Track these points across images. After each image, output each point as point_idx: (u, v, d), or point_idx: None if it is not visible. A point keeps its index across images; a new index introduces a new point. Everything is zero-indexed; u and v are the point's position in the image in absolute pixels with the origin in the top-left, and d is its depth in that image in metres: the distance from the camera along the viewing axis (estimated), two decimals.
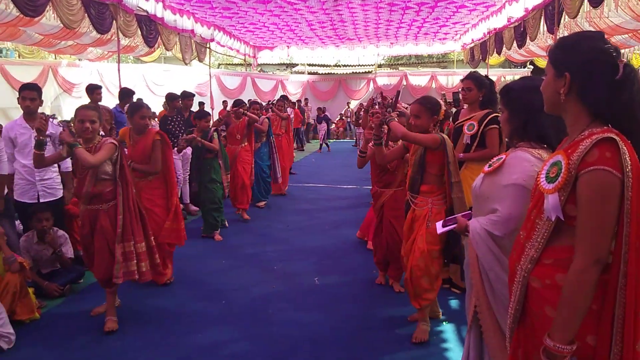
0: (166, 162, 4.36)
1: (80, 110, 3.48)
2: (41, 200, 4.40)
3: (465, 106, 4.25)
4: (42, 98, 4.57)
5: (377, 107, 5.19)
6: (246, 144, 6.87)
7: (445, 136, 3.29)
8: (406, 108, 5.00)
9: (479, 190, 2.17)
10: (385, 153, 3.57)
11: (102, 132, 6.70)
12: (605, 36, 1.54)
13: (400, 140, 3.61)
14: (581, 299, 1.38)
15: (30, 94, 4.35)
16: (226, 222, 6.35)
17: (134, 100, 7.42)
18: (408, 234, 3.42)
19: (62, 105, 14.32)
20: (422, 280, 3.24)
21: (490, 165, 2.14)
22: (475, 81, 4.04)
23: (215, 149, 5.74)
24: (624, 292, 1.38)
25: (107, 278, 3.52)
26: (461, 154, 3.96)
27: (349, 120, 20.49)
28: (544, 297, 1.50)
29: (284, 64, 25.28)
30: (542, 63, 14.67)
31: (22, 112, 4.47)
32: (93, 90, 6.77)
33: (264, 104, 9.54)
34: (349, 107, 20.54)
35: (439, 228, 2.32)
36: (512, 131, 2.12)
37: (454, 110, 6.43)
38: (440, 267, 3.31)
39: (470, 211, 2.34)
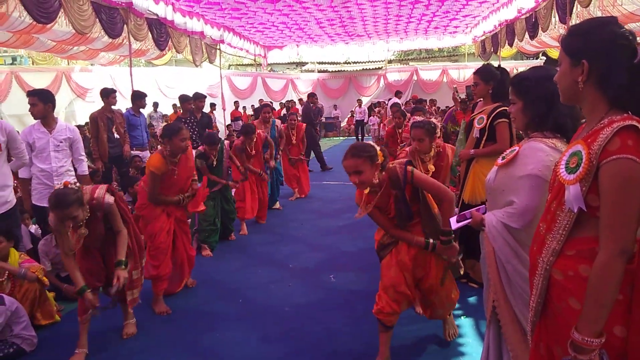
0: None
1: (55, 210, 2.98)
2: None
3: (481, 100, 4.19)
4: (57, 104, 4.63)
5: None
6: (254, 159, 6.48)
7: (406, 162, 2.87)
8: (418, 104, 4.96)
9: (493, 183, 2.14)
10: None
11: (117, 135, 6.83)
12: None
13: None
14: (608, 290, 1.35)
15: (32, 99, 4.43)
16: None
17: (144, 101, 7.48)
18: (411, 268, 2.92)
19: (75, 110, 14.53)
20: (451, 304, 3.13)
21: (503, 158, 2.12)
22: (480, 75, 3.97)
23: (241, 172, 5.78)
24: None
25: (124, 296, 3.52)
26: (472, 150, 3.91)
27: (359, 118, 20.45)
28: (568, 288, 1.47)
29: (293, 63, 25.28)
30: (555, 54, 14.48)
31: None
32: (108, 95, 6.84)
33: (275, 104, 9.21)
34: (359, 104, 20.49)
35: (454, 224, 2.29)
36: (529, 122, 2.09)
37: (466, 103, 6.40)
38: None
39: (483, 206, 2.31)
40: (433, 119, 4.11)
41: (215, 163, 5.42)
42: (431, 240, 2.83)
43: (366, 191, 2.82)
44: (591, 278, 1.38)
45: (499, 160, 2.12)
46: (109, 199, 3.22)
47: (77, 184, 3.16)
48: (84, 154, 4.88)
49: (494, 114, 3.79)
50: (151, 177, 3.87)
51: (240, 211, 6.22)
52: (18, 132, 4.30)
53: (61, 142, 4.55)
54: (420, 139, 3.70)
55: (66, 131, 4.62)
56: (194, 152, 5.16)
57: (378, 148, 2.75)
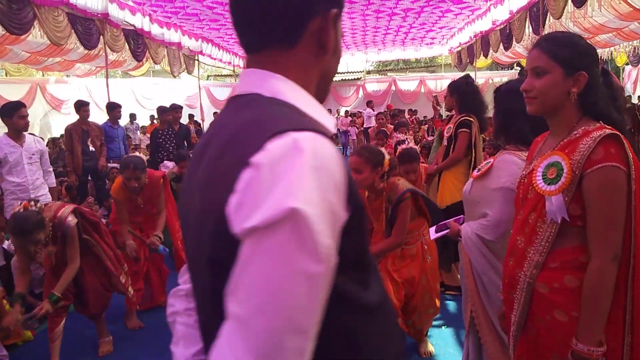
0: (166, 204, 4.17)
1: (17, 237, 2.97)
2: None
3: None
4: (31, 115, 4.58)
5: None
6: None
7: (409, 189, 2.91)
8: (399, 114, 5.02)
9: (468, 195, 2.18)
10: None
11: (92, 148, 6.72)
12: (590, 35, 1.58)
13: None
14: (604, 296, 1.37)
15: (26, 111, 4.39)
16: None
17: (118, 112, 7.34)
18: (395, 272, 2.97)
19: (51, 122, 14.27)
20: (429, 314, 3.15)
21: (479, 170, 2.16)
22: (448, 88, 4.19)
23: None
24: (632, 285, 1.39)
25: (102, 310, 3.49)
26: (435, 166, 4.13)
27: (339, 128, 20.53)
28: (553, 301, 1.47)
29: None
30: None
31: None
32: (80, 107, 6.74)
33: None
34: (338, 114, 20.59)
35: (432, 234, 2.32)
36: (496, 131, 2.19)
37: (447, 113, 6.51)
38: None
39: (462, 216, 2.34)
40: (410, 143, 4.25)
41: None
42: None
43: (365, 194, 2.90)
44: (586, 287, 1.39)
45: (475, 173, 2.16)
46: (71, 221, 3.09)
47: (38, 204, 3.05)
48: (51, 166, 4.83)
49: (457, 123, 3.94)
50: (115, 202, 3.92)
51: None
52: None
53: (33, 154, 4.50)
54: (415, 170, 3.78)
55: (35, 144, 4.58)
56: (170, 164, 5.09)
57: (388, 157, 2.81)
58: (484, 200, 2.07)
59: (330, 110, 20.61)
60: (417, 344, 3.27)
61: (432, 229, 2.36)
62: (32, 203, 3.05)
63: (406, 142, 4.67)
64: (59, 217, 3.06)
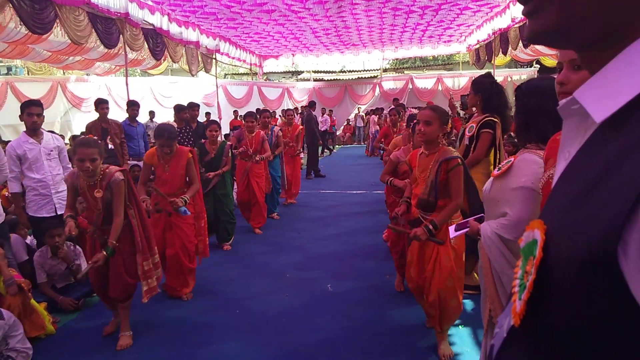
0: (194, 180, 4.41)
1: (79, 148, 3.27)
2: (59, 213, 4.47)
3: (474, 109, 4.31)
4: (52, 114, 4.70)
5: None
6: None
7: (459, 156, 3.05)
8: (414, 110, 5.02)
9: (488, 194, 2.17)
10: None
11: (110, 146, 6.83)
12: None
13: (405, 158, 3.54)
14: None
15: (37, 109, 4.45)
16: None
17: (135, 109, 7.46)
18: (419, 254, 3.13)
19: (71, 120, 14.51)
20: (451, 302, 3.05)
21: (499, 169, 2.15)
22: (472, 85, 4.12)
23: (223, 170, 5.76)
24: None
25: (123, 297, 3.56)
26: None
27: (358, 125, 20.53)
28: None
29: (289, 72, 25.39)
30: (549, 62, 14.60)
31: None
32: (99, 105, 6.84)
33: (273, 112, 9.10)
34: (359, 111, 20.57)
35: (452, 232, 2.32)
36: (517, 129, 2.16)
37: (461, 113, 6.47)
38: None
39: (482, 214, 2.33)
40: None
41: (213, 157, 5.71)
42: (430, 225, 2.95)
43: (420, 151, 3.13)
44: None
45: (495, 172, 2.15)
46: (119, 175, 3.39)
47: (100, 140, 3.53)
48: (70, 162, 4.91)
49: (480, 123, 3.88)
50: (143, 167, 4.32)
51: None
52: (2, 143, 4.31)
53: (51, 150, 4.58)
54: (427, 121, 3.20)
55: (53, 140, 4.67)
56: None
57: (450, 120, 3.03)
58: (504, 200, 2.06)
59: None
60: (437, 344, 3.26)
61: (452, 228, 2.36)
62: (95, 138, 3.60)
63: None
64: (109, 169, 3.41)
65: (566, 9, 0.55)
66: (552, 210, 0.61)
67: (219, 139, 5.91)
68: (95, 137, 4.39)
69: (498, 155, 3.94)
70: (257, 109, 17.29)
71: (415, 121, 4.07)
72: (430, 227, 2.89)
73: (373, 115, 16.15)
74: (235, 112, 17.30)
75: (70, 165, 4.91)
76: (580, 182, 0.55)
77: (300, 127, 8.50)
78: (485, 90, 3.97)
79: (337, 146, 20.17)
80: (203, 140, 5.85)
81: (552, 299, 0.55)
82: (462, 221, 2.37)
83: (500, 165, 2.17)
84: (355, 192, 9.47)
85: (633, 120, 0.50)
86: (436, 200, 2.95)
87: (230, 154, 5.87)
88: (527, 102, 2.06)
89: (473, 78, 4.31)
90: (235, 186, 6.88)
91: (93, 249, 3.53)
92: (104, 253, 3.28)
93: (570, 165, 0.61)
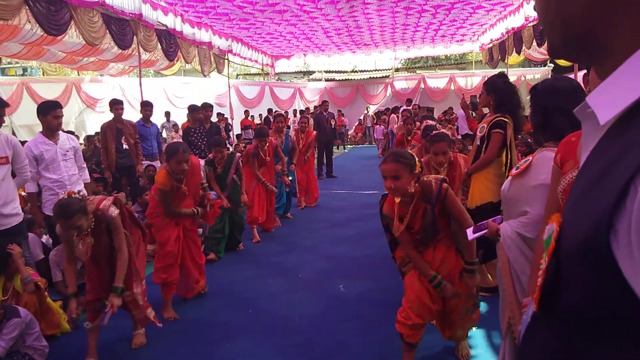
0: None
1: (58, 219, 3.05)
2: None
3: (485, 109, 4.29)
4: (67, 114, 4.75)
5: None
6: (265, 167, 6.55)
7: (440, 179, 2.86)
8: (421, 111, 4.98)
9: (507, 193, 2.16)
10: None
11: (125, 146, 6.88)
12: None
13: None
14: None
15: (61, 112, 4.55)
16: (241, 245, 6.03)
17: (148, 110, 7.43)
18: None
19: (86, 120, 14.67)
20: (469, 315, 3.00)
21: (517, 168, 2.15)
22: (485, 85, 4.08)
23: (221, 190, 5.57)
24: None
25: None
26: (466, 169, 4.06)
27: (367, 125, 20.50)
28: None
29: (301, 72, 25.43)
30: (563, 61, 14.42)
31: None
32: (113, 106, 6.91)
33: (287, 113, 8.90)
34: (367, 111, 20.51)
35: (470, 234, 2.30)
36: (535, 129, 2.16)
37: (472, 113, 6.42)
38: None
39: (500, 216, 2.32)
40: (443, 130, 4.16)
41: (220, 172, 5.50)
42: (439, 277, 2.79)
43: (397, 200, 2.75)
44: None
45: (513, 171, 2.14)
46: (113, 211, 3.23)
47: (82, 194, 3.22)
48: (85, 162, 4.98)
49: (491, 123, 3.86)
50: (161, 194, 3.96)
51: (249, 217, 6.28)
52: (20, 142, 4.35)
53: (67, 151, 4.63)
54: (444, 151, 3.73)
55: (69, 141, 4.72)
56: (202, 161, 5.24)
57: (417, 159, 2.73)
58: (523, 198, 2.06)
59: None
60: (455, 344, 3.24)
61: (470, 230, 2.34)
62: (76, 191, 3.23)
63: (437, 128, 4.63)
64: (101, 209, 3.19)
65: (567, 29, 0.66)
66: (567, 205, 0.68)
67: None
68: (75, 195, 3.27)
69: (510, 155, 3.90)
70: (269, 110, 17.37)
71: (432, 133, 4.04)
72: (474, 267, 2.81)
73: (393, 114, 15.75)
74: (246, 111, 17.36)
75: (84, 165, 4.95)
76: (588, 179, 0.61)
77: (314, 133, 8.41)
78: (498, 90, 3.94)
79: (348, 146, 20.15)
80: (211, 155, 5.60)
81: (564, 284, 0.62)
82: (480, 223, 2.35)
83: (518, 164, 2.16)
84: (367, 192, 9.45)
85: (633, 122, 0.56)
86: (437, 227, 2.79)
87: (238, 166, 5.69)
88: (543, 101, 2.07)
89: (486, 77, 4.27)
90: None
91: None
92: (116, 296, 3.21)
93: (584, 164, 0.67)
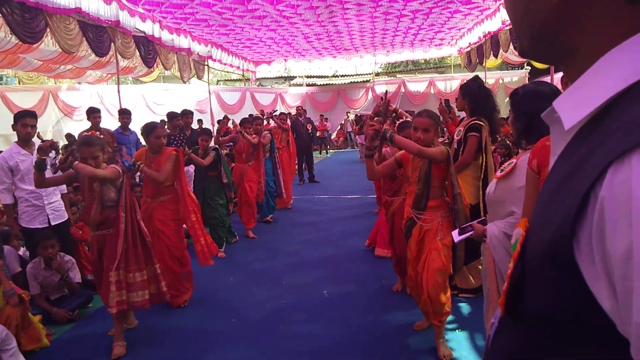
0: (178, 179, 4.42)
1: (81, 146, 3.44)
2: (52, 223, 4.45)
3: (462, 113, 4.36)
4: (44, 122, 4.67)
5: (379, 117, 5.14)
6: (253, 162, 6.86)
7: (447, 148, 3.23)
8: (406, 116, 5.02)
9: (493, 195, 2.21)
10: (376, 168, 3.35)
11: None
12: None
13: (395, 154, 3.51)
14: None
15: (32, 120, 4.41)
16: (236, 237, 6.44)
17: (126, 118, 7.42)
18: (416, 251, 3.25)
19: (63, 129, 14.40)
20: (440, 297, 3.14)
21: (502, 170, 2.20)
22: (461, 90, 4.15)
23: (201, 164, 5.73)
24: None
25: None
26: None
27: (349, 130, 20.56)
28: None
29: (282, 77, 25.40)
30: (540, 64, 14.67)
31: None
32: (91, 114, 6.82)
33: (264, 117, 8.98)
34: (348, 117, 20.57)
35: (456, 237, 2.33)
36: (518, 133, 2.18)
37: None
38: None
39: (484, 217, 2.35)
40: None
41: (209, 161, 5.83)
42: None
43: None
44: None
45: (498, 173, 2.19)
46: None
47: (102, 135, 3.59)
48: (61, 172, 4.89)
49: (467, 127, 3.92)
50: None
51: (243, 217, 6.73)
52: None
53: None
54: (426, 128, 3.19)
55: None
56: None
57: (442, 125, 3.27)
58: (509, 199, 2.11)
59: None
60: (436, 346, 3.27)
61: (455, 232, 2.37)
62: (98, 133, 3.78)
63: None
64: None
65: (534, 32, 0.67)
66: (534, 211, 0.68)
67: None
68: (98, 133, 4.44)
69: (485, 158, 3.95)
70: (250, 115, 17.29)
71: (400, 121, 4.22)
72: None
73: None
74: (225, 117, 17.21)
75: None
76: (553, 185, 0.61)
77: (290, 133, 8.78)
78: (473, 94, 4.01)
79: (330, 151, 20.19)
80: (196, 147, 5.98)
81: (529, 289, 0.63)
82: (465, 224, 2.39)
83: (502, 167, 2.21)
84: (350, 196, 9.47)
85: (597, 128, 0.56)
86: (428, 194, 3.14)
87: (212, 155, 5.92)
88: (526, 106, 2.10)
89: (465, 81, 4.34)
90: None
91: (95, 253, 3.59)
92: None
93: (551, 170, 0.67)
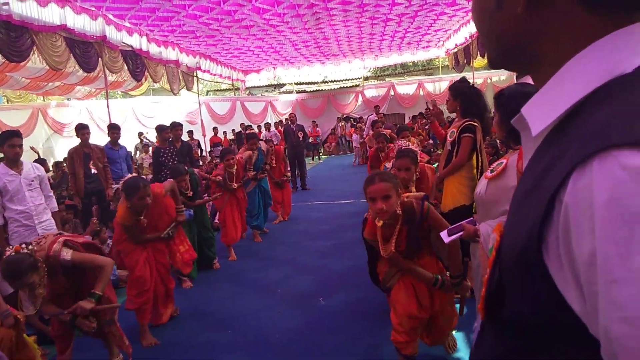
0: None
1: (8, 280, 2.97)
2: None
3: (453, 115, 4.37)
4: (34, 140, 4.63)
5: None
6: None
7: (422, 196, 2.83)
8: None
9: (485, 195, 2.22)
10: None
11: (94, 170, 6.75)
12: None
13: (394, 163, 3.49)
14: None
15: (18, 140, 4.39)
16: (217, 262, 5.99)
17: (115, 133, 7.33)
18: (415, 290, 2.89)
19: (54, 146, 14.35)
20: (452, 321, 3.12)
21: (492, 171, 2.21)
22: (451, 91, 4.16)
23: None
24: None
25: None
26: (438, 174, 4.16)
27: (339, 135, 20.62)
28: None
29: (271, 85, 25.43)
30: None
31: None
32: (79, 130, 6.80)
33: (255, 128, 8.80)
34: (338, 122, 20.64)
35: (445, 237, 2.32)
36: (506, 135, 2.19)
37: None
38: None
39: (472, 218, 2.35)
40: (412, 146, 4.25)
41: (191, 194, 5.42)
42: (440, 277, 2.79)
43: (379, 224, 2.64)
44: None
45: (488, 174, 2.19)
46: (66, 255, 3.08)
47: (30, 247, 2.99)
48: (51, 190, 4.85)
49: (461, 128, 3.93)
50: (124, 229, 3.91)
51: (225, 237, 6.20)
52: None
53: (32, 180, 4.51)
54: (407, 168, 3.61)
55: (34, 169, 4.59)
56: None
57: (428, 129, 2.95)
58: (502, 199, 2.12)
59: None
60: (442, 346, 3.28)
61: (444, 233, 2.35)
62: (24, 246, 2.99)
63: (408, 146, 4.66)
64: (52, 255, 3.05)
65: (499, 42, 0.69)
66: (508, 216, 0.70)
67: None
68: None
69: (480, 158, 3.97)
70: (244, 132, 17.20)
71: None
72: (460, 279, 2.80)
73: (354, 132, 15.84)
74: (214, 128, 17.21)
75: (52, 194, 4.83)
76: (523, 190, 0.63)
77: (281, 148, 8.50)
78: (464, 95, 4.02)
79: (323, 156, 20.20)
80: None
81: (505, 293, 0.64)
82: (455, 225, 2.38)
83: (492, 167, 2.22)
84: (344, 202, 9.47)
85: (563, 133, 0.58)
86: (420, 245, 2.82)
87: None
88: (513, 107, 2.09)
89: (453, 82, 4.36)
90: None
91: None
92: (91, 300, 3.08)
93: (523, 175, 0.68)
